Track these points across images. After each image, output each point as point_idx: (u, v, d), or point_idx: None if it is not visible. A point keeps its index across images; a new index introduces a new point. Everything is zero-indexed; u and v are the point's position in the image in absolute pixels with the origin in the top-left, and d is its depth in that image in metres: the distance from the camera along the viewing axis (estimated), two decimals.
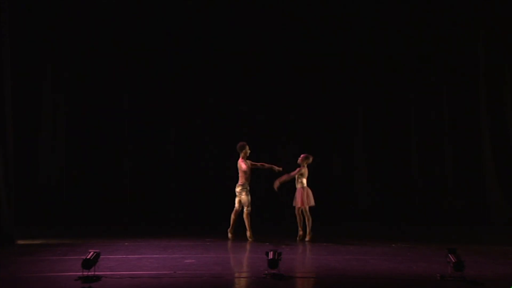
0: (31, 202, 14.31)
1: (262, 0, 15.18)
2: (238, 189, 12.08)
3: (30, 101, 14.63)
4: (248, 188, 12.07)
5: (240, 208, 12.12)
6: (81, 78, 14.98)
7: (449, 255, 8.55)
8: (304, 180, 12.15)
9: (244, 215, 12.06)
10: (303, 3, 15.16)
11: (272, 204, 14.61)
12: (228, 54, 15.14)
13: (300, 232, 12.07)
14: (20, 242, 11.80)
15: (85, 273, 8.24)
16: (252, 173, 12.22)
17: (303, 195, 12.06)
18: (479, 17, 15.13)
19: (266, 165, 12.28)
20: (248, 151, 12.18)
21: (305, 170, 12.16)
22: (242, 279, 8.88)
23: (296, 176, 12.14)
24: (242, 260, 10.36)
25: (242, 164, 12.09)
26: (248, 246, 11.56)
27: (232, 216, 12.18)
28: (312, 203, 12.16)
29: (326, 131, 15.41)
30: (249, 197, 12.04)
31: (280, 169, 12.19)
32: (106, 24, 14.92)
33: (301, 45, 15.27)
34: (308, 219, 12.07)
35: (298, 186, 12.16)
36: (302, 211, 12.10)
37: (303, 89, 15.36)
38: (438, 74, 15.41)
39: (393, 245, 11.65)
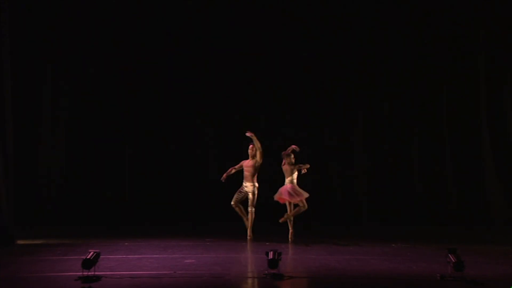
0: (31, 202, 14.33)
1: (263, 1, 15.19)
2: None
3: (30, 100, 14.64)
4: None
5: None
6: (82, 77, 15.00)
7: (449, 255, 8.54)
8: (295, 175, 12.12)
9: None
10: (303, 6, 15.17)
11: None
12: (228, 56, 15.15)
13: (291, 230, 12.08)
14: (20, 242, 11.79)
15: (85, 273, 8.24)
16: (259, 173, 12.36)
17: (293, 190, 12.04)
18: (479, 17, 15.13)
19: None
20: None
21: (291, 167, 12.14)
22: (242, 279, 8.87)
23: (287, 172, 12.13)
24: (242, 260, 10.36)
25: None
26: (248, 246, 11.55)
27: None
28: (302, 196, 12.09)
29: (326, 132, 15.43)
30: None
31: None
32: (107, 23, 14.93)
33: (300, 47, 15.28)
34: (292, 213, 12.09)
35: (288, 181, 12.13)
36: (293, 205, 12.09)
37: (303, 90, 15.37)
38: (438, 74, 15.42)
39: (393, 245, 11.65)
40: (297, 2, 15.23)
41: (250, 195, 12.24)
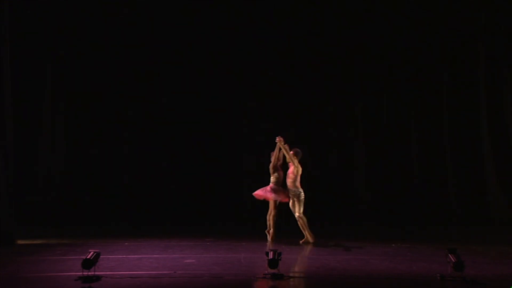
0: (31, 202, 14.32)
1: None
2: None
3: (30, 100, 14.64)
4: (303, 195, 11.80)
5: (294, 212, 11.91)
6: (81, 78, 14.99)
7: (449, 255, 8.56)
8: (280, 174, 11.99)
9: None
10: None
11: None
12: (227, 50, 15.17)
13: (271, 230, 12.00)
14: (20, 242, 11.80)
15: (85, 273, 8.25)
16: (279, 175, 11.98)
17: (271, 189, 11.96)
18: (479, 16, 15.11)
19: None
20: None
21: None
22: (242, 279, 8.87)
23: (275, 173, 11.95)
24: (242, 260, 10.36)
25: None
26: (248, 246, 11.54)
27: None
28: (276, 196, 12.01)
29: (325, 131, 15.43)
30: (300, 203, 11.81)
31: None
32: (107, 24, 14.93)
33: (300, 42, 15.27)
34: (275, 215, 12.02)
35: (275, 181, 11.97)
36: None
37: (302, 88, 15.37)
38: (438, 74, 15.42)
39: (393, 245, 11.66)
40: None
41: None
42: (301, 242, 11.70)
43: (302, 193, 11.72)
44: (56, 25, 14.72)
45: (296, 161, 11.76)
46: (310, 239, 11.73)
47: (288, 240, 11.89)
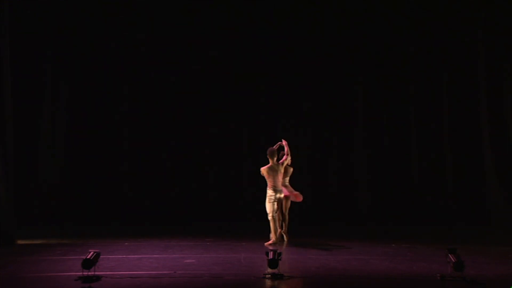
0: (31, 202, 14.33)
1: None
2: None
3: (30, 101, 14.63)
4: (269, 194, 11.56)
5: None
6: (81, 79, 15.00)
7: (449, 255, 8.57)
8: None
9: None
10: None
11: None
12: (227, 50, 15.16)
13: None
14: (20, 242, 11.81)
15: (85, 273, 8.26)
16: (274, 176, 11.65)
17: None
18: (479, 16, 15.09)
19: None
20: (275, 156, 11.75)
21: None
22: (242, 279, 8.87)
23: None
24: (242, 260, 10.37)
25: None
26: (248, 246, 11.55)
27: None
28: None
29: (326, 132, 15.43)
30: (270, 204, 11.52)
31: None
32: (107, 24, 14.94)
33: (299, 42, 15.26)
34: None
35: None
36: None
37: (302, 88, 15.37)
38: (438, 75, 15.42)
39: (393, 245, 11.66)
40: None
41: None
42: (285, 240, 11.74)
43: (272, 194, 11.53)
44: (56, 25, 14.73)
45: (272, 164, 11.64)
46: (272, 238, 11.60)
47: (288, 239, 11.90)
